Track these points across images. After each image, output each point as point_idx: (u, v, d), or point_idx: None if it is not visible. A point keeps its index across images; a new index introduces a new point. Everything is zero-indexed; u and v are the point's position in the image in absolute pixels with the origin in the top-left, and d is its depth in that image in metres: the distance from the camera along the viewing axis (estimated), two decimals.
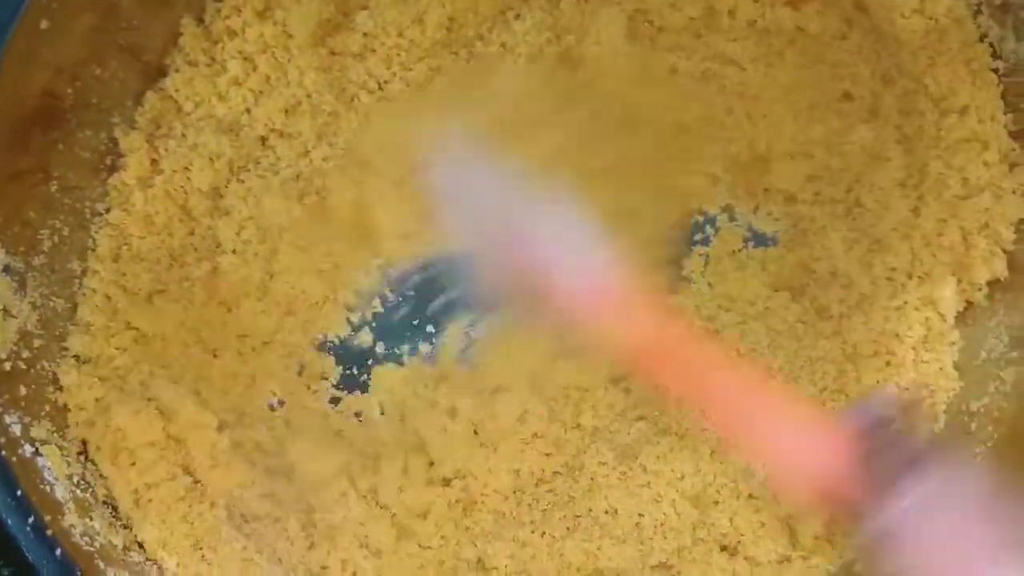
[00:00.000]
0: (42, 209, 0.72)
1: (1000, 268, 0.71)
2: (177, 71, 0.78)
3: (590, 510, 0.72)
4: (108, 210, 0.76)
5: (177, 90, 0.78)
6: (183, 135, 0.78)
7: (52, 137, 0.72)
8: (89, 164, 0.75)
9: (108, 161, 0.77)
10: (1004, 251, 0.71)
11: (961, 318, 0.73)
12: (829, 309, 0.74)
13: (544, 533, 0.72)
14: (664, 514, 0.71)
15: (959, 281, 0.72)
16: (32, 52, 0.68)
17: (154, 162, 0.77)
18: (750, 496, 0.71)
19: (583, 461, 0.73)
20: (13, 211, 0.70)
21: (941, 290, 0.72)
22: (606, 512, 0.72)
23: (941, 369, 0.72)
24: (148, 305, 0.75)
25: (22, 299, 0.70)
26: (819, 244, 0.76)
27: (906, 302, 0.72)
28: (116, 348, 0.74)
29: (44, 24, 0.68)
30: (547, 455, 0.74)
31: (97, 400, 0.71)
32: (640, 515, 0.71)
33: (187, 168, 0.77)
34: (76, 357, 0.72)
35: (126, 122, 0.77)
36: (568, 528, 0.72)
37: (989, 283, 0.72)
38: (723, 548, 0.71)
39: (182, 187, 0.77)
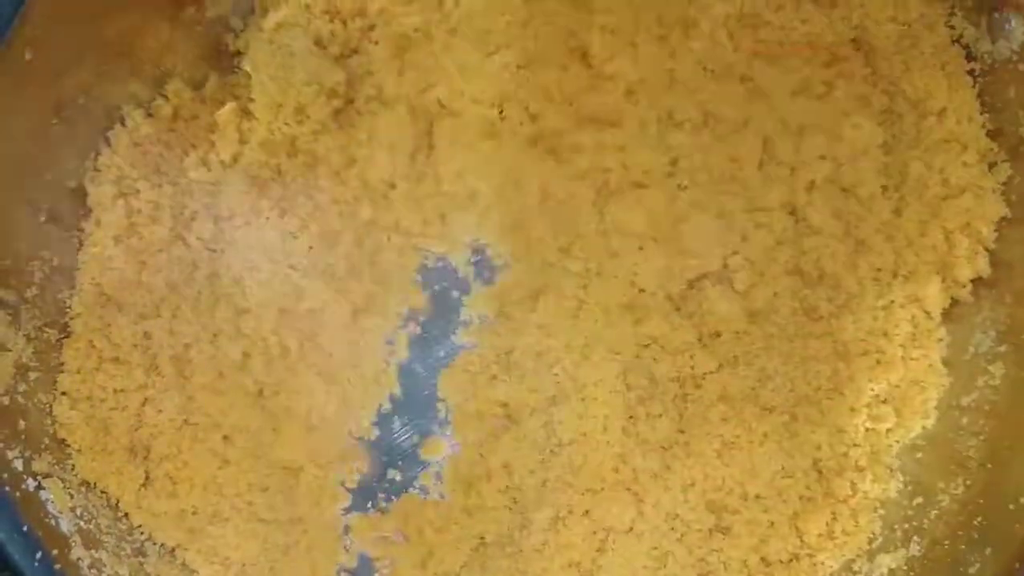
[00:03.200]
0: (31, 241, 0.71)
1: (983, 266, 0.73)
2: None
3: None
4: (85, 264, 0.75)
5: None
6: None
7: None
8: (75, 194, 0.74)
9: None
10: (986, 249, 0.73)
11: (947, 315, 0.74)
12: (818, 309, 0.75)
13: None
14: (685, 524, 0.73)
15: (943, 279, 0.74)
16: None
17: (128, 217, 0.75)
18: (757, 496, 0.72)
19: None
20: (3, 244, 0.69)
21: (926, 289, 0.73)
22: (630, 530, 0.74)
23: (930, 366, 0.74)
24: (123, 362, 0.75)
25: (16, 332, 0.69)
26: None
27: (892, 301, 0.74)
28: (102, 388, 0.73)
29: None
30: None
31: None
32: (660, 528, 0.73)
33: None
34: (65, 394, 0.72)
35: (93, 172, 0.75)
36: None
37: (973, 281, 0.73)
38: (736, 551, 0.72)
39: (143, 250, 0.76)
